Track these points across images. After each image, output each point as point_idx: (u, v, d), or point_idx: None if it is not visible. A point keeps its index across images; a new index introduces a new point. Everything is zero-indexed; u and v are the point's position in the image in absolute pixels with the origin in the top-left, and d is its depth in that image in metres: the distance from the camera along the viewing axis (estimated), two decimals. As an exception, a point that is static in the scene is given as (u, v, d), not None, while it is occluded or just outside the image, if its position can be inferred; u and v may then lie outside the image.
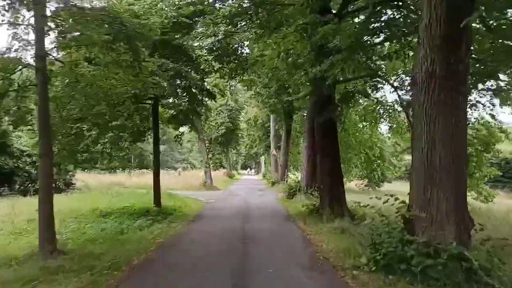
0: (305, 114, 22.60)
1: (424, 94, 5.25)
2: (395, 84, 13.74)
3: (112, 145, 13.23)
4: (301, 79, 11.93)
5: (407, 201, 6.16)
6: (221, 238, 8.61)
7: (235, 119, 49.95)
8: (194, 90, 13.44)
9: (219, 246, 7.79)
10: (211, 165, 54.94)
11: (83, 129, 10.88)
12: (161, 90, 11.11)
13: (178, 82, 12.47)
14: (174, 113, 13.91)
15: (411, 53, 9.23)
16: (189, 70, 12.24)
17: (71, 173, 20.05)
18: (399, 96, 15.46)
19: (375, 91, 12.75)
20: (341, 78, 12.34)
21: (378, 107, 19.18)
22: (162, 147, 63.12)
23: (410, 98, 8.21)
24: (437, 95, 5.14)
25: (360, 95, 12.98)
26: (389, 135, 24.31)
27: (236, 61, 13.90)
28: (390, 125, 22.35)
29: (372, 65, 10.52)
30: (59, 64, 7.24)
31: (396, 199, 6.20)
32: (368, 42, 8.36)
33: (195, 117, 14.54)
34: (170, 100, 13.85)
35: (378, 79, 11.88)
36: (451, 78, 5.12)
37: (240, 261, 6.54)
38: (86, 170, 34.18)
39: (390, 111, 18.41)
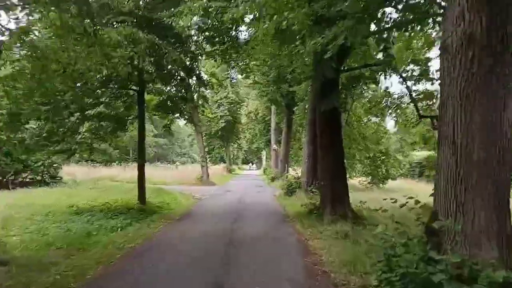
0: (306, 106, 21.32)
1: (459, 66, 3.95)
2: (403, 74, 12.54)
3: (92, 135, 11.99)
4: (302, 59, 10.54)
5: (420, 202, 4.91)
6: (203, 244, 7.36)
7: (236, 112, 48.68)
8: (182, 74, 12.14)
9: (198, 253, 6.54)
10: (211, 160, 53.91)
11: (47, 114, 9.58)
12: (136, 70, 9.85)
13: (164, 64, 11.15)
14: (160, 99, 12.63)
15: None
16: (175, 49, 10.91)
17: (56, 165, 18.78)
18: (407, 87, 14.31)
19: (384, 77, 11.44)
20: (346, 67, 11.15)
21: (385, 99, 17.93)
22: (162, 141, 62.07)
23: (437, 71, 6.86)
24: (478, 66, 3.85)
25: (367, 81, 11.64)
26: (395, 129, 22.99)
27: (230, 42, 12.56)
28: (396, 119, 21.09)
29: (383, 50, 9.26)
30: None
31: (417, 202, 4.92)
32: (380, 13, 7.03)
33: (185, 105, 13.19)
34: (158, 86, 12.54)
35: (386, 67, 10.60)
36: (497, 45, 3.83)
37: (218, 277, 5.28)
38: (78, 163, 33.25)
39: (398, 103, 17.12)
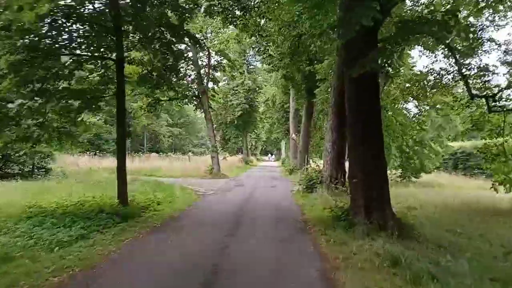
0: (330, 88, 18.42)
1: None
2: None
3: (59, 117, 9.54)
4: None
5: None
6: (170, 279, 4.78)
7: (253, 100, 45.98)
8: (165, 34, 9.47)
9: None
10: (227, 150, 51.52)
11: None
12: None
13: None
14: (144, 70, 10.02)
15: None
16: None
17: (41, 155, 16.65)
18: (456, 60, 11.44)
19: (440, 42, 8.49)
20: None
21: (427, 76, 14.87)
22: (177, 130, 60.06)
23: None
24: None
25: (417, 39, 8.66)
26: (435, 114, 19.78)
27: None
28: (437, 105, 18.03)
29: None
30: None
31: None
32: None
33: (175, 77, 10.51)
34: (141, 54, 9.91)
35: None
36: None
37: None
38: (85, 153, 31.37)
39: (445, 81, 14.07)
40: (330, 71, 16.04)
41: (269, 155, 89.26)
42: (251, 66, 46.78)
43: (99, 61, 9.47)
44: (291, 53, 16.53)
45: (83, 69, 9.36)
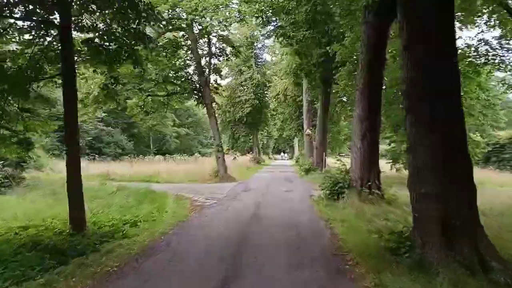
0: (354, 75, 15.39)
1: None
2: None
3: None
4: None
5: None
6: None
7: (263, 95, 43.04)
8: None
9: None
10: (237, 149, 48.66)
11: None
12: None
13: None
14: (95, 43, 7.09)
15: None
16: None
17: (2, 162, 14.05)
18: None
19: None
20: None
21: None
22: (184, 130, 57.43)
23: None
24: None
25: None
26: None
27: None
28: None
29: None
30: None
31: None
32: None
33: (138, 46, 7.52)
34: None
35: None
36: None
37: None
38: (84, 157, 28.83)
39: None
40: (358, 44, 12.97)
41: (282, 153, 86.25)
42: (260, 60, 43.85)
43: (37, 28, 6.66)
44: (307, 22, 13.48)
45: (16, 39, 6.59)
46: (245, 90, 40.61)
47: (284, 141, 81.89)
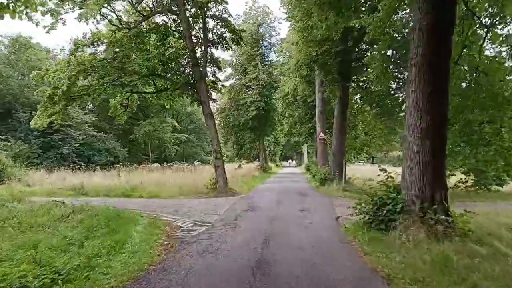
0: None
1: None
2: None
3: None
4: None
5: None
6: None
7: (269, 97, 39.51)
8: None
9: None
10: (242, 156, 44.96)
11: None
12: None
13: None
14: None
15: None
16: None
17: None
18: None
19: None
20: None
21: None
22: (184, 137, 53.96)
23: None
24: None
25: None
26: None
27: None
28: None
29: None
30: None
31: None
32: None
33: None
34: None
35: None
36: None
37: None
38: (56, 168, 25.40)
39: None
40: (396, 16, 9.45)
41: (290, 160, 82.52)
42: (266, 59, 40.35)
43: None
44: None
45: None
46: (250, 91, 37.13)
47: (291, 148, 78.33)
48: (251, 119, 36.99)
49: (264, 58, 39.77)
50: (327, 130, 24.51)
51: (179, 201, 13.84)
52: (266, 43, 40.22)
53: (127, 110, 19.19)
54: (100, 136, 35.54)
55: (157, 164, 35.58)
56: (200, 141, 63.87)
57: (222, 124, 41.17)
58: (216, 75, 17.67)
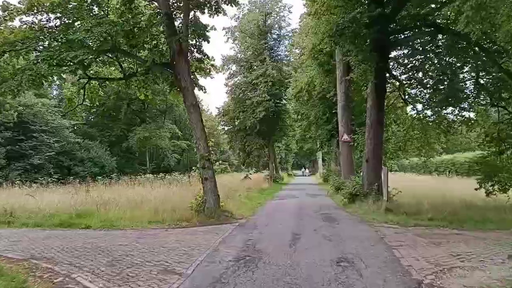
0: None
1: None
2: None
3: None
4: None
5: None
6: None
7: (279, 97, 34.51)
8: None
9: None
10: (250, 165, 39.79)
11: None
12: None
13: None
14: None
15: None
16: None
17: None
18: None
19: None
20: None
21: None
22: (185, 144, 48.93)
23: None
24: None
25: None
26: None
27: None
28: None
29: None
30: None
31: None
32: None
33: None
34: None
35: None
36: None
37: None
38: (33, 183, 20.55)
39: None
40: None
41: (303, 169, 76.96)
42: (275, 53, 35.37)
43: None
44: None
45: None
46: (258, 90, 32.14)
47: (304, 155, 72.82)
48: (258, 122, 31.90)
49: (273, 53, 34.84)
50: (357, 130, 19.26)
51: (137, 236, 8.76)
52: (275, 36, 35.34)
53: (93, 104, 14.28)
54: (84, 144, 30.78)
55: (151, 175, 30.51)
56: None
57: (226, 129, 36.24)
58: (203, 51, 12.61)
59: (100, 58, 11.95)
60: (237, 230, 9.48)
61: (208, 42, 12.18)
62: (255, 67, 32.37)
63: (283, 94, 34.78)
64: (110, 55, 12.13)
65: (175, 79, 11.91)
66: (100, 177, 24.99)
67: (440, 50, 14.01)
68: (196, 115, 11.90)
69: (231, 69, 35.30)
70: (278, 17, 35.31)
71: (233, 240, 8.20)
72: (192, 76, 12.18)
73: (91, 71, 12.82)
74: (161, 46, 12.38)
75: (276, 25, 35.31)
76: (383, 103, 14.93)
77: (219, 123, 39.83)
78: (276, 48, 35.37)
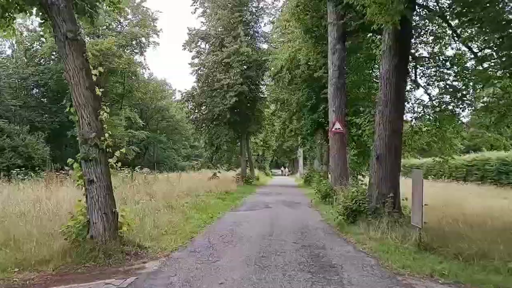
0: None
1: None
2: None
3: None
4: None
5: None
6: None
7: (256, 81, 29.01)
8: None
9: None
10: (219, 162, 34.21)
11: None
12: None
13: None
14: None
15: None
16: None
17: None
18: None
19: None
20: None
21: None
22: (145, 134, 42.63)
23: None
24: None
25: None
26: None
27: None
28: None
29: None
30: None
31: None
32: None
33: None
34: None
35: None
36: None
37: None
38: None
39: None
40: None
41: (282, 168, 71.80)
42: (252, 28, 29.74)
43: None
44: None
45: None
46: (230, 72, 26.46)
47: (283, 153, 67.60)
48: (229, 110, 26.23)
49: (249, 28, 29.19)
50: (361, 110, 13.99)
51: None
52: (253, 9, 29.71)
53: None
54: (8, 129, 24.41)
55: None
56: (173, 142, 53.02)
57: (191, 117, 30.47)
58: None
59: None
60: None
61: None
62: (226, 44, 26.68)
63: (260, 79, 29.27)
64: None
65: (50, 21, 6.21)
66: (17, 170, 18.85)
67: None
68: (76, 58, 6.20)
69: (200, 46, 29.52)
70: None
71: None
72: (73, 17, 6.45)
73: None
74: None
75: (255, -5, 29.69)
76: (407, 65, 9.62)
77: (182, 110, 33.95)
78: (253, 24, 29.75)
